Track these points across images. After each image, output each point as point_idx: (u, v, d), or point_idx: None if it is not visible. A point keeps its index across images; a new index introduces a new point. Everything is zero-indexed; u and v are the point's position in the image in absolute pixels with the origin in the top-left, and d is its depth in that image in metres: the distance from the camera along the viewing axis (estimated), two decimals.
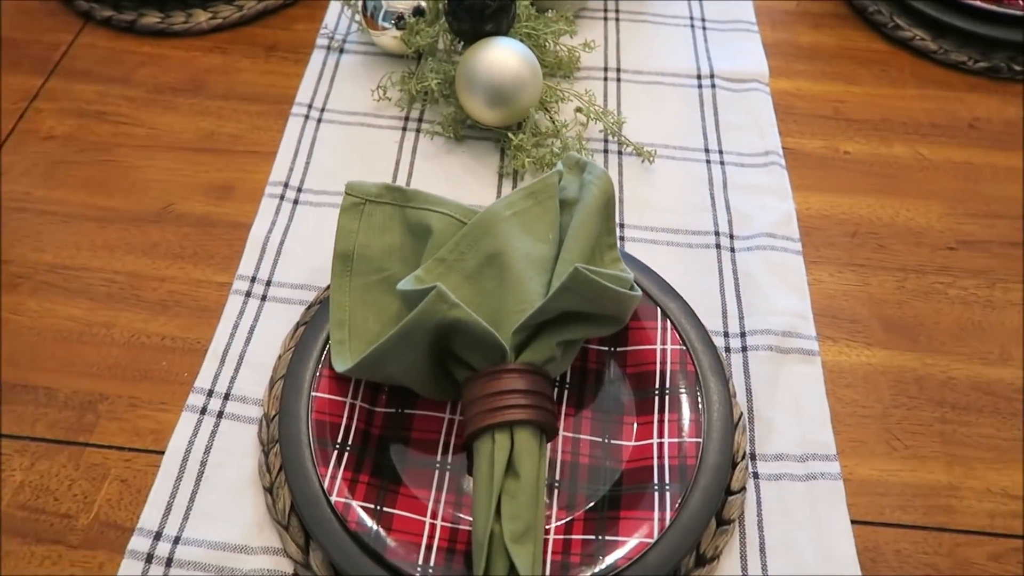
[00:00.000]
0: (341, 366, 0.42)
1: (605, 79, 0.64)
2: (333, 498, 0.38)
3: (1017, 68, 0.65)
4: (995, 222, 0.57)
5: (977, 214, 0.57)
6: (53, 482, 0.43)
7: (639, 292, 0.41)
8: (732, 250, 0.53)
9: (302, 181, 0.57)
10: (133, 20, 0.66)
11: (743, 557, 0.41)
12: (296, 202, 0.55)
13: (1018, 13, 0.65)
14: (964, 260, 0.54)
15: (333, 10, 0.68)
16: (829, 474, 0.44)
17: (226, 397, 0.46)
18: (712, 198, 0.56)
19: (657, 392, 0.43)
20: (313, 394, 0.42)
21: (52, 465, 0.44)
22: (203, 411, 0.46)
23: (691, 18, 0.69)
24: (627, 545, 0.37)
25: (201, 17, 0.66)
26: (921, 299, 0.52)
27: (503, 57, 0.54)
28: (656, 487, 0.39)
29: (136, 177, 0.57)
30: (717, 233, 0.54)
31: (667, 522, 0.38)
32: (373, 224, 0.45)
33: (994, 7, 0.66)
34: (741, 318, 0.50)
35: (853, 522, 0.42)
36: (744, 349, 0.48)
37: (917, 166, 0.60)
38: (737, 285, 0.52)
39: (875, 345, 0.50)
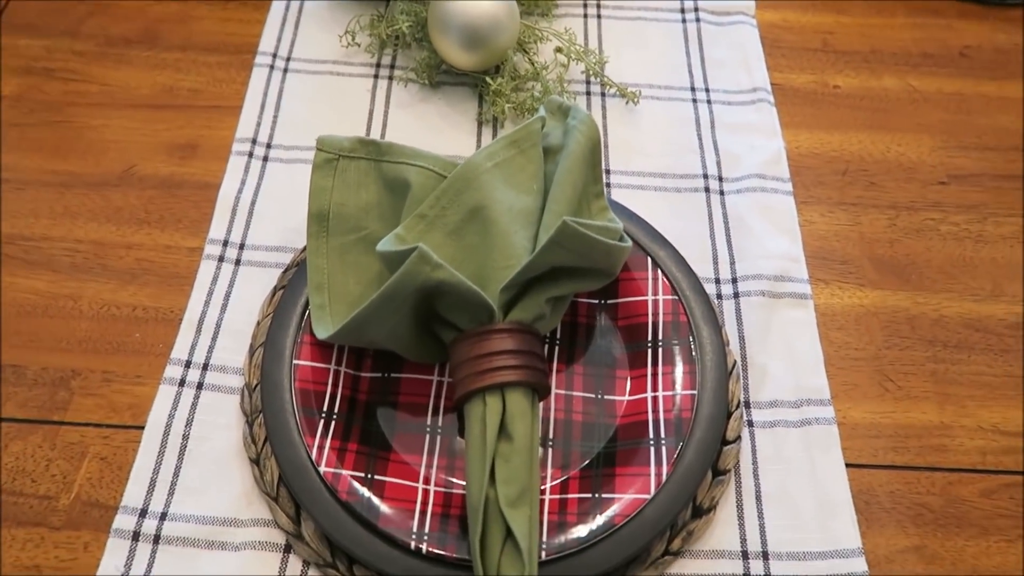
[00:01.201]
0: (323, 332, 0.40)
1: (585, 16, 0.61)
2: (322, 468, 0.37)
3: None
4: (986, 154, 0.55)
5: (968, 147, 0.56)
6: (29, 463, 0.42)
7: (629, 243, 0.39)
8: (721, 193, 0.52)
9: (271, 136, 0.54)
10: None
11: (739, 506, 0.41)
12: (266, 159, 0.53)
13: None
14: (955, 195, 0.53)
15: None
16: (823, 419, 0.43)
17: (205, 368, 0.45)
18: (700, 139, 0.55)
19: (650, 344, 0.42)
20: (295, 362, 0.40)
21: (27, 446, 0.42)
22: (182, 383, 0.44)
23: None
24: (624, 502, 0.37)
25: None
26: (913, 237, 0.51)
27: None
28: (652, 442, 0.39)
29: (92, 138, 0.54)
30: (706, 176, 0.53)
31: (663, 477, 0.37)
32: (348, 181, 0.43)
33: None
34: (732, 263, 0.49)
35: (847, 465, 0.42)
36: (736, 295, 0.47)
37: (907, 99, 0.58)
38: (727, 229, 0.50)
39: (867, 286, 0.49)
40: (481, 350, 0.36)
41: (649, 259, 0.44)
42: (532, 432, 0.36)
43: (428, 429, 0.40)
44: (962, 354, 0.46)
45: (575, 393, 0.41)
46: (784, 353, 0.45)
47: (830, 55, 0.60)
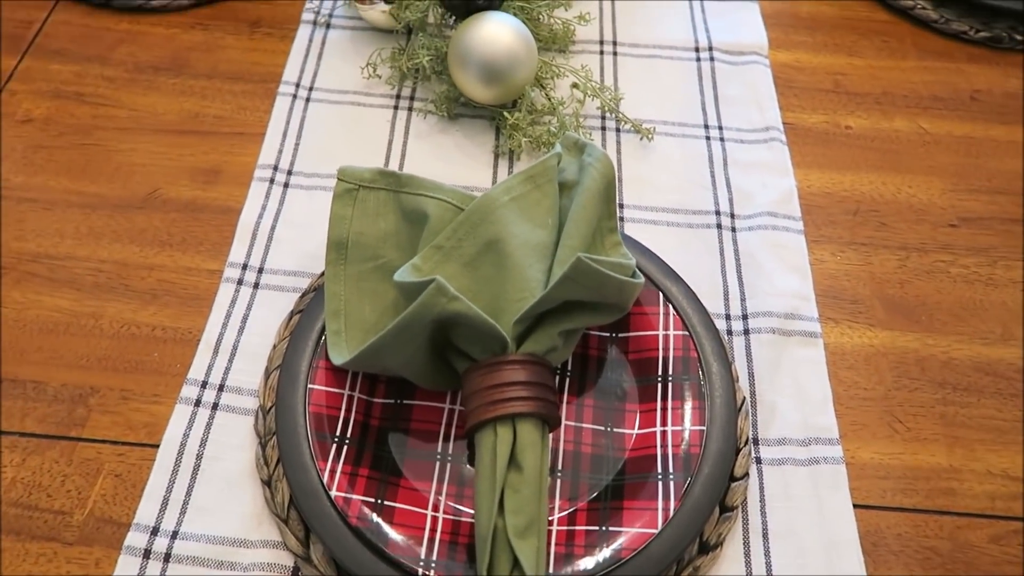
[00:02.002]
0: (338, 358, 0.41)
1: (601, 53, 0.62)
2: (333, 492, 0.38)
3: (1018, 37, 0.64)
4: (996, 198, 0.56)
5: (978, 190, 0.56)
6: (46, 478, 0.43)
7: (642, 279, 0.40)
8: (733, 230, 0.53)
9: (292, 163, 0.55)
10: None
11: (746, 543, 0.41)
12: (286, 185, 0.54)
13: None
14: (965, 237, 0.54)
15: None
16: (831, 458, 0.43)
17: (220, 388, 0.45)
18: (712, 176, 0.55)
19: (660, 379, 0.42)
20: (310, 386, 0.41)
21: (44, 461, 0.43)
22: (197, 403, 0.45)
23: None
24: (631, 535, 0.37)
25: None
26: (923, 278, 0.52)
27: (497, 33, 0.53)
28: (660, 476, 0.39)
29: (119, 161, 0.55)
30: (718, 212, 0.53)
31: (671, 512, 0.37)
32: (367, 210, 0.44)
33: None
34: (743, 300, 0.49)
35: (855, 506, 0.42)
36: (746, 332, 0.48)
37: (918, 140, 0.59)
38: (739, 266, 0.51)
39: (877, 326, 0.49)
40: (493, 380, 0.37)
41: (661, 294, 0.45)
42: (542, 463, 0.36)
43: (439, 456, 0.41)
44: (972, 397, 0.47)
45: (585, 425, 0.42)
46: (793, 391, 0.46)
47: (842, 96, 0.61)
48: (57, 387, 0.46)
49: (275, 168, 0.55)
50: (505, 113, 0.54)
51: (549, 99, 0.56)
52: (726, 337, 0.47)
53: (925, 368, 0.48)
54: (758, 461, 0.43)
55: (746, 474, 0.42)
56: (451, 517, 0.38)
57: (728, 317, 0.49)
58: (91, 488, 0.42)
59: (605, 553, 0.36)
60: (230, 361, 0.46)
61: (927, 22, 0.65)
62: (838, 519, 0.41)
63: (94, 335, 0.48)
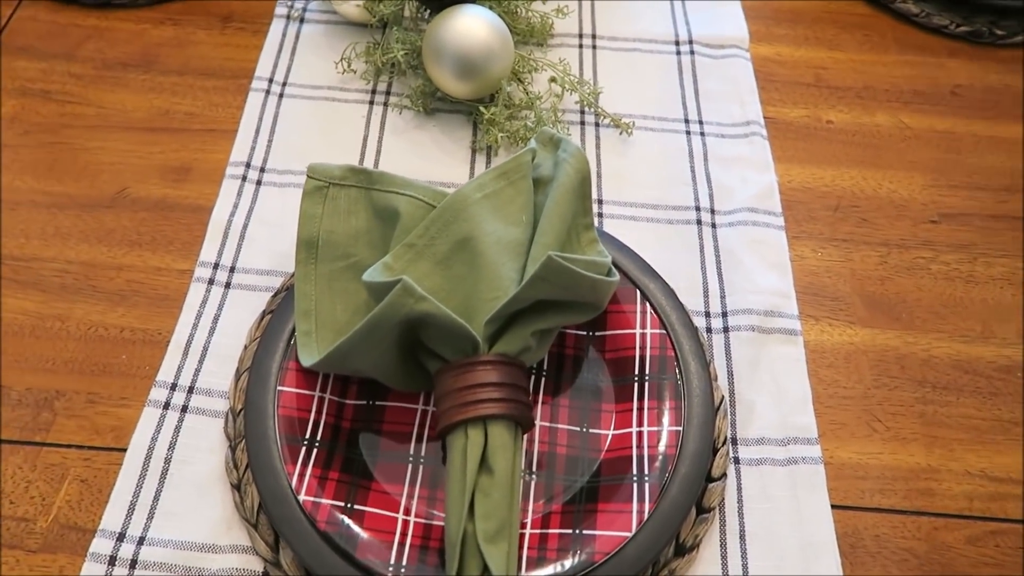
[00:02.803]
0: (308, 360, 0.40)
1: (580, 46, 0.62)
2: (301, 497, 0.37)
3: (999, 32, 0.64)
4: (976, 194, 0.56)
5: (959, 185, 0.56)
6: (8, 484, 0.42)
7: (616, 277, 0.39)
8: (713, 226, 0.52)
9: (264, 160, 0.54)
10: None
11: (723, 545, 0.40)
12: (259, 183, 0.53)
13: None
14: (946, 234, 0.53)
15: None
16: (810, 458, 0.43)
17: (190, 391, 0.44)
18: (692, 171, 0.55)
19: (637, 378, 0.42)
20: (280, 388, 0.40)
21: (7, 467, 0.42)
22: (166, 406, 0.44)
23: None
24: (605, 539, 0.36)
25: None
26: (904, 275, 0.51)
27: (471, 26, 0.52)
28: (635, 478, 0.38)
29: (87, 160, 0.54)
30: (698, 208, 0.53)
31: (646, 514, 0.37)
32: (338, 208, 0.43)
33: None
34: (722, 297, 0.49)
35: (833, 507, 0.42)
36: (726, 330, 0.47)
37: (899, 135, 0.58)
38: (719, 263, 0.50)
39: (857, 323, 0.49)
40: (465, 382, 0.36)
41: (638, 292, 0.44)
42: (514, 466, 0.35)
43: (411, 458, 0.40)
44: (951, 396, 0.46)
45: (559, 426, 0.41)
46: (772, 390, 0.45)
47: (823, 90, 0.61)
48: (21, 391, 0.45)
49: (247, 165, 0.53)
50: (482, 108, 0.54)
51: (527, 93, 0.55)
52: (705, 335, 0.47)
53: (905, 366, 0.47)
54: (736, 461, 0.43)
55: (724, 475, 0.41)
56: (423, 521, 0.38)
57: (707, 315, 0.48)
58: (56, 494, 0.41)
59: (579, 557, 0.36)
60: (200, 363, 0.45)
61: (908, 16, 0.65)
62: (816, 520, 0.41)
63: (60, 337, 0.46)
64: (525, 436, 0.38)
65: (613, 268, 0.41)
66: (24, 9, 0.62)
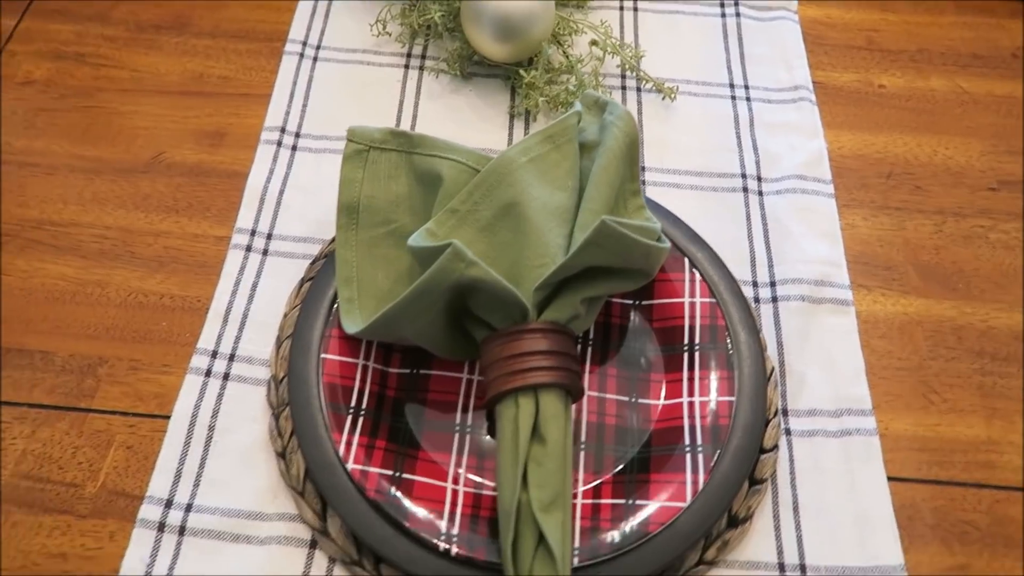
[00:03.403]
0: (352, 327, 0.39)
1: (621, 8, 0.60)
2: (349, 465, 0.37)
3: None
4: None
5: (1020, 152, 0.54)
6: (56, 450, 0.42)
7: (668, 244, 0.38)
8: (760, 194, 0.50)
9: (299, 125, 0.53)
10: None
11: (776, 516, 0.39)
12: (294, 148, 0.52)
13: None
14: (1005, 202, 0.51)
15: None
16: (864, 430, 0.42)
17: (231, 358, 0.44)
18: (738, 138, 0.53)
19: (686, 348, 0.41)
20: (323, 356, 0.40)
21: (54, 432, 0.42)
22: (208, 373, 0.43)
23: None
24: (658, 509, 0.36)
25: None
26: (960, 244, 0.49)
27: None
28: (688, 448, 0.37)
29: (122, 124, 0.53)
30: (744, 176, 0.51)
31: (700, 485, 0.36)
32: (378, 172, 0.42)
33: None
34: (771, 267, 0.47)
35: (889, 479, 0.41)
36: (774, 300, 0.46)
37: (956, 101, 0.56)
38: (766, 231, 0.49)
39: (911, 293, 0.47)
40: (514, 350, 0.35)
41: (686, 260, 0.43)
42: (565, 435, 0.35)
43: (457, 428, 0.39)
44: (1011, 367, 0.45)
45: (608, 396, 0.40)
46: (824, 361, 0.44)
47: (875, 54, 0.59)
48: (65, 357, 0.44)
49: (282, 130, 0.53)
50: (521, 71, 0.52)
51: (567, 57, 0.54)
52: (753, 305, 0.46)
53: (962, 337, 0.46)
54: (787, 433, 0.42)
55: (775, 446, 0.40)
56: (472, 490, 0.37)
57: (755, 284, 0.47)
58: (103, 460, 0.41)
59: (632, 526, 0.35)
60: (240, 330, 0.45)
61: None
62: (871, 492, 0.40)
63: (101, 304, 0.46)
64: (574, 406, 0.38)
65: (663, 235, 0.40)
66: None
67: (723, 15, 0.60)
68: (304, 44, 0.57)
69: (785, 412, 0.42)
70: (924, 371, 0.45)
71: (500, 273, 0.37)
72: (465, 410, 0.40)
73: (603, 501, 0.36)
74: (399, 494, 0.36)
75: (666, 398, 0.40)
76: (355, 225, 0.42)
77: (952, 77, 0.57)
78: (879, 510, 0.39)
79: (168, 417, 0.42)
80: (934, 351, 0.45)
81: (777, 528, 0.39)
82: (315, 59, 0.56)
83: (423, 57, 0.56)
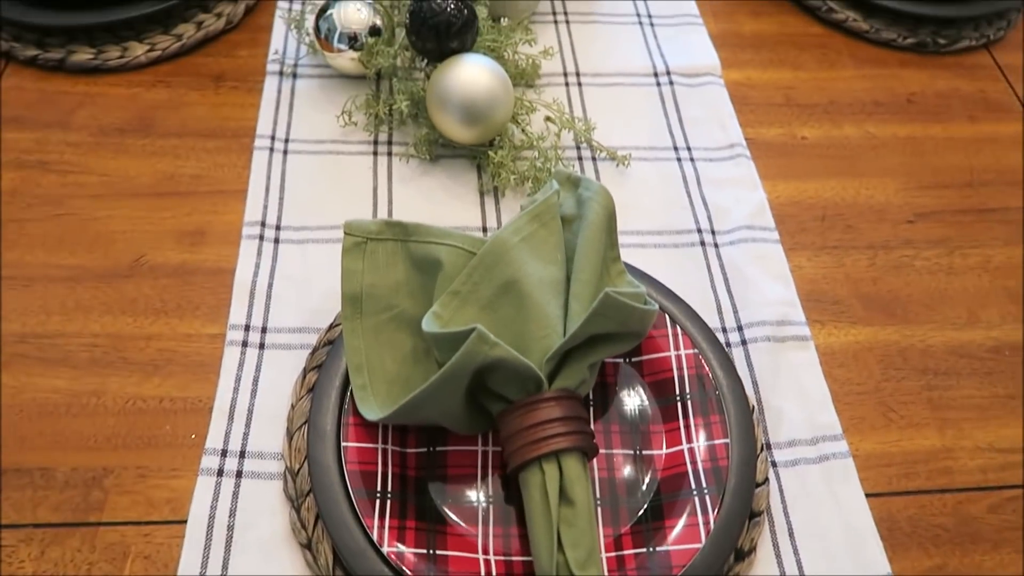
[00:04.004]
0: (370, 413, 0.41)
1: (567, 84, 0.64)
2: (385, 549, 0.38)
3: (941, 41, 0.70)
4: (943, 192, 0.61)
5: (928, 186, 0.61)
6: (70, 568, 0.41)
7: (656, 306, 0.42)
8: (716, 245, 0.55)
9: (279, 218, 0.55)
10: (62, 58, 0.62)
11: (775, 544, 0.43)
12: (277, 240, 0.54)
13: None
14: (923, 232, 0.58)
15: (278, 33, 0.66)
16: (839, 453, 0.46)
17: (241, 455, 0.45)
18: (689, 195, 0.58)
19: (678, 398, 0.44)
20: (344, 444, 0.41)
21: (65, 551, 0.42)
22: (220, 472, 0.44)
23: (638, 15, 0.71)
24: (678, 552, 0.39)
25: (138, 50, 0.62)
26: (892, 274, 0.56)
27: (475, 75, 0.54)
28: (694, 491, 0.41)
29: (98, 230, 0.54)
30: (699, 230, 0.56)
31: (711, 525, 0.39)
32: (377, 262, 0.45)
33: None
34: (735, 312, 0.52)
35: (867, 495, 0.45)
36: (743, 342, 0.51)
37: (868, 145, 0.63)
38: (726, 280, 0.54)
39: (859, 323, 0.53)
40: (533, 419, 0.38)
41: (667, 317, 0.47)
42: (589, 494, 0.37)
43: (481, 499, 0.41)
44: (952, 380, 0.51)
45: (615, 451, 0.43)
46: (795, 393, 0.49)
47: (793, 108, 0.65)
48: (67, 472, 0.44)
49: (263, 224, 0.54)
50: (490, 152, 0.56)
51: (526, 134, 0.58)
52: (727, 349, 0.50)
53: (907, 358, 0.51)
54: (774, 465, 0.46)
55: (766, 479, 0.44)
56: (502, 558, 0.39)
57: (724, 330, 0.51)
58: (120, 574, 0.41)
59: (656, 572, 0.38)
60: (247, 426, 0.46)
61: (859, 33, 0.70)
62: (854, 510, 0.44)
63: (99, 413, 0.46)
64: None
65: (648, 298, 0.43)
66: (8, 79, 0.61)
67: (658, 83, 0.65)
68: (272, 138, 0.59)
69: (769, 446, 0.47)
70: (880, 392, 0.50)
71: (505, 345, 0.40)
72: (484, 481, 0.42)
73: (626, 552, 0.39)
74: (436, 571, 0.38)
75: (667, 447, 0.43)
76: (359, 314, 0.44)
77: (861, 124, 0.65)
78: (863, 525, 0.44)
79: (184, 522, 0.42)
80: (886, 373, 0.51)
81: (778, 555, 0.43)
82: (285, 152, 0.58)
83: (390, 143, 0.59)
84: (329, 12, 0.59)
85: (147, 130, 0.59)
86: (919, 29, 0.70)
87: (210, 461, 0.44)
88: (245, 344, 0.49)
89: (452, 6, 0.54)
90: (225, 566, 0.41)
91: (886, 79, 0.68)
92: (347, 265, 0.44)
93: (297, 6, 0.68)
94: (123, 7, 0.62)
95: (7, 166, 0.56)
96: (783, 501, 0.45)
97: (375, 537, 0.38)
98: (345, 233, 0.45)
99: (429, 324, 0.40)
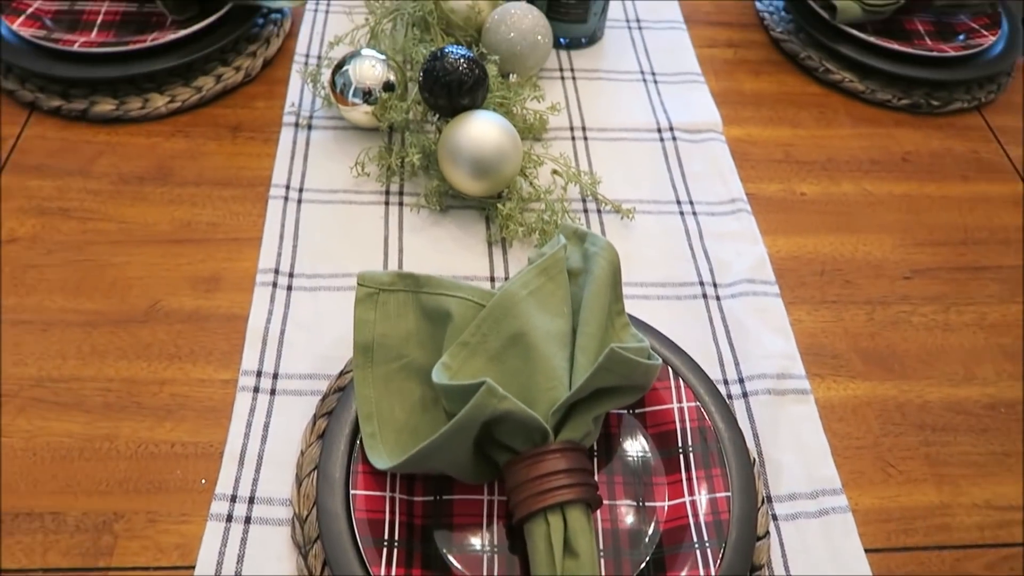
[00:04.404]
0: (379, 461, 0.42)
1: (573, 139, 0.67)
2: None
3: (934, 103, 0.72)
4: (939, 249, 0.62)
5: (923, 243, 0.63)
6: None
7: (659, 360, 0.43)
8: (717, 298, 0.57)
9: (292, 265, 0.56)
10: (85, 108, 0.64)
11: None
12: (290, 288, 0.55)
13: (928, 54, 0.72)
14: (920, 288, 0.59)
15: (294, 86, 0.68)
16: (838, 507, 0.47)
17: (251, 501, 0.45)
18: (691, 248, 0.60)
19: (681, 450, 0.45)
20: (353, 492, 0.42)
21: None
22: (229, 518, 0.45)
23: (642, 72, 0.73)
24: None
25: (159, 102, 0.65)
26: (889, 329, 0.57)
27: (485, 131, 0.56)
28: (696, 544, 0.41)
29: (115, 275, 0.55)
30: (701, 283, 0.58)
31: None
32: (388, 312, 0.46)
33: (908, 49, 0.73)
34: (736, 364, 0.53)
35: (866, 550, 0.46)
36: (744, 395, 0.52)
37: (864, 201, 0.65)
38: (728, 332, 0.55)
39: (857, 377, 0.54)
40: (538, 471, 0.39)
41: (670, 369, 0.48)
42: (593, 546, 0.38)
43: (486, 548, 0.42)
44: (949, 436, 0.51)
45: (618, 502, 0.44)
46: (795, 447, 0.49)
47: (792, 165, 0.67)
48: (78, 516, 0.45)
49: (276, 271, 0.56)
50: (499, 204, 0.57)
51: (534, 187, 0.60)
52: (728, 401, 0.51)
53: (905, 413, 0.52)
54: (774, 518, 0.47)
55: (767, 532, 0.45)
56: None
57: (726, 382, 0.52)
58: None
59: None
60: (257, 471, 0.47)
61: (856, 93, 0.73)
62: (854, 565, 0.45)
63: (111, 457, 0.47)
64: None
65: (652, 352, 0.45)
66: (31, 128, 0.64)
67: (661, 139, 0.68)
68: (287, 187, 0.61)
69: (769, 499, 0.47)
70: (879, 447, 0.51)
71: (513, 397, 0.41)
72: (489, 530, 0.43)
73: None
74: None
75: (670, 499, 0.44)
76: (371, 363, 0.45)
77: (858, 181, 0.67)
78: None
79: (192, 567, 0.43)
80: (884, 428, 0.52)
81: None
82: (299, 201, 0.60)
83: (401, 193, 0.61)
84: (345, 68, 0.62)
85: (165, 178, 0.61)
86: (913, 91, 0.73)
87: (219, 507, 0.45)
88: (257, 390, 0.50)
89: (465, 65, 0.57)
90: None
91: (882, 138, 0.70)
92: (359, 315, 0.46)
93: (313, 61, 0.70)
94: (145, 61, 0.64)
95: (29, 212, 0.58)
96: (783, 555, 0.45)
97: None
98: (358, 284, 0.46)
99: (439, 375, 0.41)
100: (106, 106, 0.64)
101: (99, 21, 0.68)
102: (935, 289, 0.60)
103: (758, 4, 0.80)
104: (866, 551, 0.46)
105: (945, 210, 0.65)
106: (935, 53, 0.72)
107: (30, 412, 0.48)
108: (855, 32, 0.72)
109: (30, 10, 0.68)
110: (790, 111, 0.72)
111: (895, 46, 0.72)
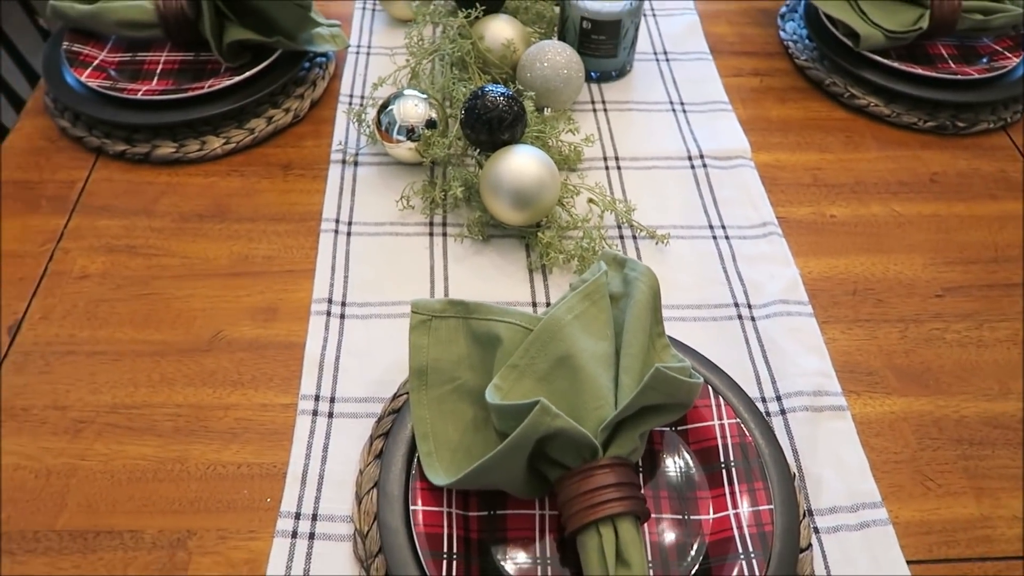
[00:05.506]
0: (437, 478, 0.44)
1: (607, 168, 0.69)
2: None
3: (960, 124, 0.74)
4: (970, 267, 0.64)
5: (954, 261, 0.64)
6: None
7: (700, 379, 0.45)
8: (752, 319, 0.59)
9: (344, 295, 0.59)
10: (147, 152, 0.68)
11: None
12: (343, 316, 0.58)
13: (952, 77, 0.74)
14: (952, 305, 0.61)
15: (340, 125, 0.72)
16: (879, 520, 0.48)
17: (314, 518, 0.48)
18: (725, 271, 0.62)
19: (723, 465, 0.47)
20: (413, 508, 0.44)
21: None
22: (294, 534, 0.47)
23: (671, 102, 0.76)
24: None
25: (215, 143, 0.69)
26: (923, 346, 0.58)
27: (525, 164, 0.59)
28: (742, 556, 0.43)
29: (179, 308, 0.59)
30: (736, 304, 0.60)
31: None
32: (440, 338, 0.49)
33: (932, 73, 0.75)
34: (773, 383, 0.55)
35: (908, 562, 0.47)
36: (783, 412, 0.53)
37: (894, 222, 0.67)
38: (764, 352, 0.57)
39: (893, 394, 0.55)
40: (589, 485, 0.41)
41: (710, 388, 0.50)
42: (643, 556, 0.40)
43: (540, 560, 0.44)
44: (987, 450, 0.52)
45: (664, 516, 0.46)
46: (834, 462, 0.51)
47: (821, 188, 0.69)
48: (154, 534, 0.48)
49: (329, 301, 0.59)
50: (539, 233, 0.60)
51: (572, 216, 0.62)
52: (767, 419, 0.53)
53: (942, 428, 0.54)
54: (816, 531, 0.48)
55: (809, 545, 0.46)
56: None
57: (764, 400, 0.54)
58: None
59: None
60: (318, 490, 0.49)
61: (881, 117, 0.75)
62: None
63: (182, 479, 0.50)
64: None
65: (693, 371, 0.47)
66: (98, 171, 0.68)
67: (692, 166, 0.70)
68: (337, 221, 0.64)
69: (811, 512, 0.49)
70: (917, 461, 0.52)
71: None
72: (542, 543, 0.45)
73: None
74: None
75: (714, 512, 0.46)
76: (425, 386, 0.48)
77: (887, 203, 0.69)
78: None
79: None
80: (922, 443, 0.53)
81: None
82: (348, 234, 0.63)
83: (444, 224, 0.64)
84: (390, 108, 0.65)
85: (223, 215, 0.65)
86: (938, 113, 0.74)
87: (285, 524, 0.48)
88: (315, 413, 0.53)
89: (504, 103, 0.60)
90: None
91: (909, 160, 0.72)
92: (414, 341, 0.48)
93: (356, 101, 0.74)
94: (202, 106, 0.69)
95: (98, 250, 0.62)
96: (826, 566, 0.46)
97: None
98: (412, 311, 0.49)
99: (492, 396, 0.44)
100: (167, 149, 0.68)
101: (159, 70, 0.73)
102: (967, 306, 0.61)
103: (782, 33, 0.83)
104: (908, 563, 0.47)
105: (975, 229, 0.67)
106: (959, 76, 0.74)
107: (107, 437, 0.52)
108: (879, 58, 0.75)
109: (96, 62, 0.72)
110: (817, 136, 0.74)
111: (919, 70, 0.74)
